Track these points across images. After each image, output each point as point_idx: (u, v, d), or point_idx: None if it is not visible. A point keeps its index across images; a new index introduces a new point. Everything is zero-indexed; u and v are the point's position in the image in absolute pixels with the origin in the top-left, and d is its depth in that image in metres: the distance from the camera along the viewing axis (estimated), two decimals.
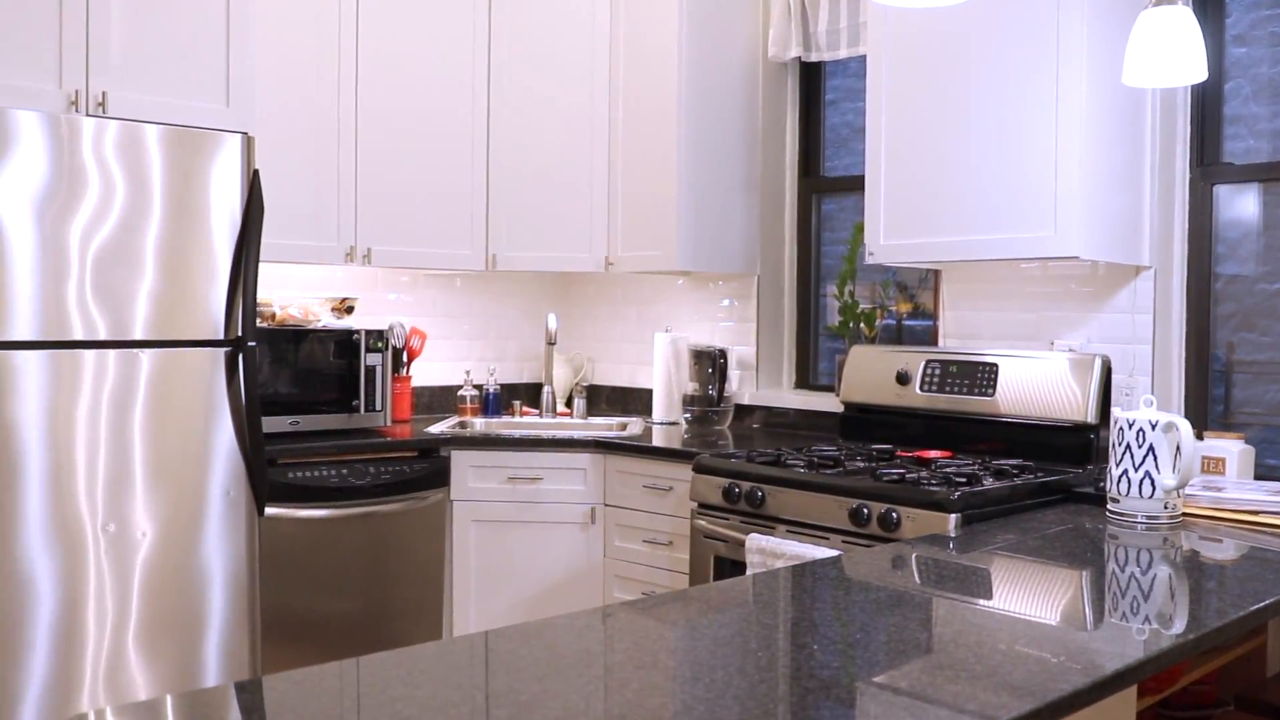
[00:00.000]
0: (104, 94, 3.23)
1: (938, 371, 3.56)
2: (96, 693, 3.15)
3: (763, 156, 4.36)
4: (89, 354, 3.13)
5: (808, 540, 3.03)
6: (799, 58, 4.27)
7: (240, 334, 3.38)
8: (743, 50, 4.30)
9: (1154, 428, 2.67)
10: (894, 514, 2.82)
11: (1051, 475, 3.05)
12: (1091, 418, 3.21)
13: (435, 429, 4.14)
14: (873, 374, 3.74)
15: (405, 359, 4.47)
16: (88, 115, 3.18)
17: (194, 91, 3.41)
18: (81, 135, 3.10)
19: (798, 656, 1.53)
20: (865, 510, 2.89)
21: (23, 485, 3.03)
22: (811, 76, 4.38)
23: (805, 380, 4.41)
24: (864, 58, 4.10)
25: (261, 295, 4.12)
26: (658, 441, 3.86)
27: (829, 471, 3.11)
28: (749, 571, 3.06)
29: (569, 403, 4.90)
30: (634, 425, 4.34)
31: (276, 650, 3.62)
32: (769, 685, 1.41)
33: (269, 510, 3.59)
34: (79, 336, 3.12)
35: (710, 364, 4.33)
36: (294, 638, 3.66)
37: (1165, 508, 2.66)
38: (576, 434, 4.02)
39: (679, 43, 4.10)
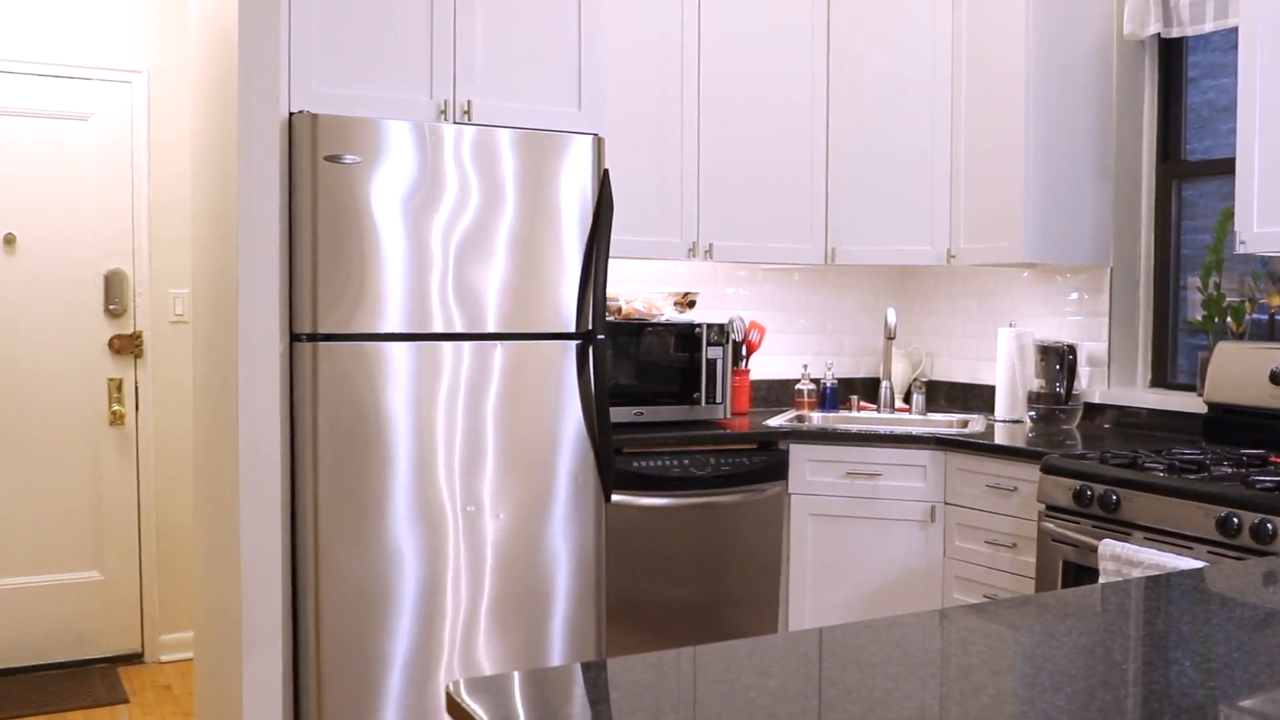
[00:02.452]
0: (469, 102, 3.44)
1: None
2: (452, 664, 3.37)
3: (1117, 140, 4.12)
4: (447, 345, 3.35)
5: (1168, 549, 2.85)
6: (1158, 34, 4.01)
7: (590, 327, 3.53)
8: (1095, 27, 4.08)
9: None
10: (1269, 525, 2.61)
11: None
12: None
13: (773, 422, 4.17)
14: (1241, 372, 3.47)
15: (744, 352, 4.53)
16: (454, 123, 3.40)
17: (549, 97, 3.58)
18: (443, 141, 3.31)
19: (1167, 673, 1.45)
20: (1236, 520, 2.69)
21: (394, 468, 3.28)
22: (1171, 53, 4.11)
23: (1162, 378, 4.14)
24: (1231, 30, 3.80)
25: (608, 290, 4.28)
26: (1001, 440, 3.74)
27: (1192, 476, 2.91)
28: (1101, 579, 2.92)
29: (907, 398, 4.81)
30: (975, 423, 4.21)
31: (616, 632, 3.75)
32: (1135, 701, 1.33)
33: (614, 497, 3.72)
34: (439, 329, 3.34)
35: (1058, 360, 4.14)
36: (632, 621, 3.78)
37: None
38: (916, 430, 3.94)
39: (1026, 21, 3.93)
